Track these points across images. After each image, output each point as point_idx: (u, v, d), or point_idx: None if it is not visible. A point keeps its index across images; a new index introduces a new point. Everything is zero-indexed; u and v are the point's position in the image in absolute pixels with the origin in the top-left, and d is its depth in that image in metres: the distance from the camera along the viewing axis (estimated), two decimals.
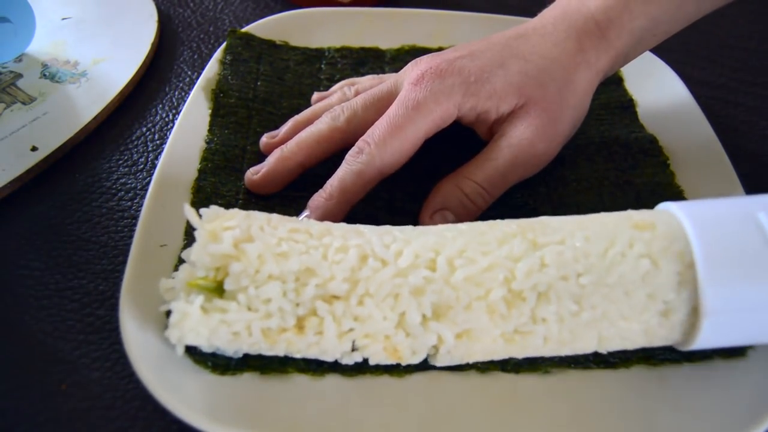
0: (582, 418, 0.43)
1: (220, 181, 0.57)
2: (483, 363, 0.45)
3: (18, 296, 0.51)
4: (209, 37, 0.77)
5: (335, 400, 0.44)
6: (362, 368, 0.44)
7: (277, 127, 0.62)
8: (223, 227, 0.42)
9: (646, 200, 0.56)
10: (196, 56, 0.75)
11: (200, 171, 0.57)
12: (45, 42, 0.73)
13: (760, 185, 0.61)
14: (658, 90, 0.67)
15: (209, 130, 0.61)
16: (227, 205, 0.53)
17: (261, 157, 0.59)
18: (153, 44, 0.73)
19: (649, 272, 0.41)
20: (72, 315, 0.50)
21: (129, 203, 0.58)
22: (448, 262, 0.42)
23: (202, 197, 0.55)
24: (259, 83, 0.67)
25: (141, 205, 0.53)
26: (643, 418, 0.43)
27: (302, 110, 0.63)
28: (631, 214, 0.45)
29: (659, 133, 0.63)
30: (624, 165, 0.60)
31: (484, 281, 0.41)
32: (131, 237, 0.50)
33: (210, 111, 0.62)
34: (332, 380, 0.44)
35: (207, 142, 0.60)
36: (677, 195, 0.57)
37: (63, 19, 0.77)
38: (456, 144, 0.58)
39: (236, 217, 0.43)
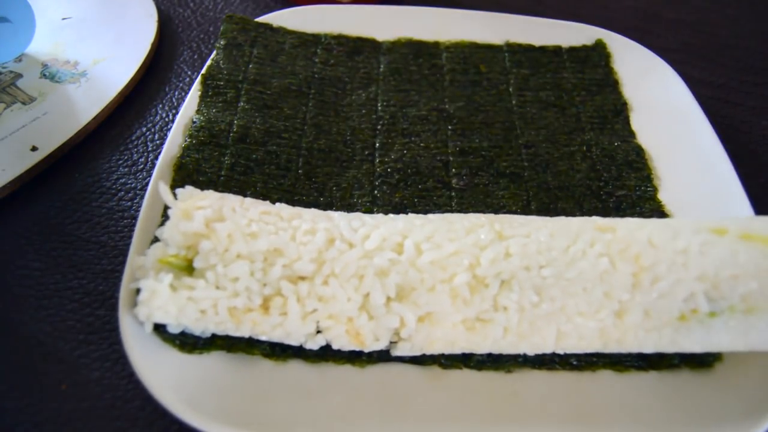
0: (568, 417, 0.44)
1: (204, 158, 0.56)
2: (446, 359, 0.46)
3: (18, 296, 0.51)
4: (209, 37, 0.77)
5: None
6: (325, 355, 0.45)
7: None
8: (196, 207, 0.43)
9: (624, 212, 0.56)
10: (196, 56, 0.75)
11: (184, 148, 0.57)
12: (45, 42, 0.73)
13: (761, 184, 0.62)
14: (659, 90, 0.67)
15: (197, 111, 0.61)
16: (209, 183, 0.54)
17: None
18: (153, 44, 0.73)
19: (607, 271, 0.43)
20: (72, 315, 0.50)
21: (129, 203, 0.58)
22: (416, 245, 0.43)
23: (183, 175, 0.55)
24: (250, 66, 0.67)
25: (141, 205, 0.52)
26: (643, 421, 0.43)
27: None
28: (595, 219, 0.47)
29: (659, 134, 0.63)
30: (607, 176, 0.60)
31: (450, 265, 0.43)
32: (131, 237, 0.50)
33: (199, 94, 0.62)
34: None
35: (193, 122, 0.59)
36: (657, 209, 0.57)
37: (63, 19, 0.77)
38: (435, 134, 0.59)
39: (209, 197, 0.44)
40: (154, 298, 0.41)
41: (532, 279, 0.42)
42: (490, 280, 0.42)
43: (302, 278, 0.42)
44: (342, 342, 0.43)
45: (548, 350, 0.44)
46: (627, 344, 0.44)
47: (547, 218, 0.47)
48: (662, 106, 0.66)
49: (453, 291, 0.42)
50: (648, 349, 0.44)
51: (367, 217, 0.46)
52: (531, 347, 0.44)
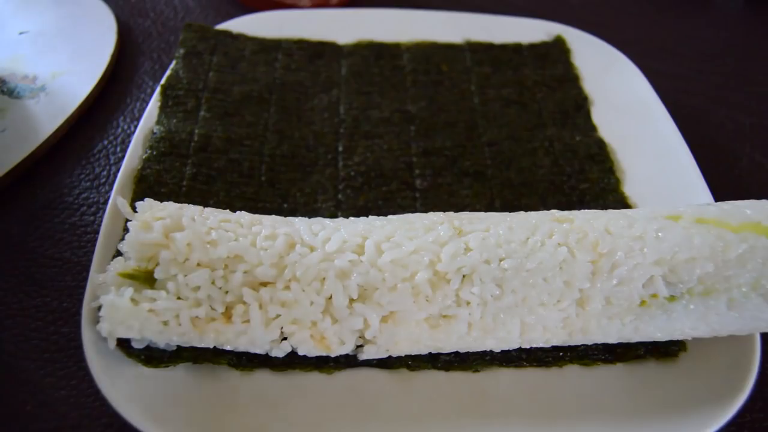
0: (538, 413, 0.44)
1: (165, 169, 0.56)
2: (413, 361, 0.46)
3: None
4: (170, 47, 0.77)
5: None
6: (292, 363, 0.45)
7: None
8: (155, 218, 0.43)
9: (588, 205, 0.57)
10: (157, 66, 0.74)
11: (145, 160, 0.56)
12: (2, 57, 0.72)
13: (720, 172, 0.63)
14: (618, 83, 0.68)
15: (157, 122, 0.60)
16: (170, 193, 0.54)
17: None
18: (113, 56, 0.72)
19: (566, 260, 0.43)
20: (36, 334, 0.49)
21: (92, 218, 0.58)
22: (376, 246, 0.43)
23: (144, 187, 0.54)
24: (210, 74, 0.66)
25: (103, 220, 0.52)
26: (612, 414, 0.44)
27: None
28: (553, 211, 0.47)
29: (620, 127, 0.64)
30: (570, 170, 0.60)
31: (410, 263, 0.43)
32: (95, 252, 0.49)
33: (159, 104, 0.62)
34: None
35: (153, 133, 0.59)
36: (621, 200, 0.58)
37: (20, 33, 0.75)
38: (404, 142, 0.60)
39: (168, 208, 0.44)
40: (115, 313, 0.41)
41: (492, 272, 0.42)
42: (451, 276, 0.43)
43: (264, 284, 0.42)
44: (307, 347, 0.43)
45: (514, 345, 0.44)
46: (591, 333, 0.44)
47: (506, 213, 0.47)
48: (622, 99, 0.66)
49: (415, 289, 0.42)
50: (612, 337, 0.45)
51: (327, 220, 0.46)
52: (496, 342, 0.44)
